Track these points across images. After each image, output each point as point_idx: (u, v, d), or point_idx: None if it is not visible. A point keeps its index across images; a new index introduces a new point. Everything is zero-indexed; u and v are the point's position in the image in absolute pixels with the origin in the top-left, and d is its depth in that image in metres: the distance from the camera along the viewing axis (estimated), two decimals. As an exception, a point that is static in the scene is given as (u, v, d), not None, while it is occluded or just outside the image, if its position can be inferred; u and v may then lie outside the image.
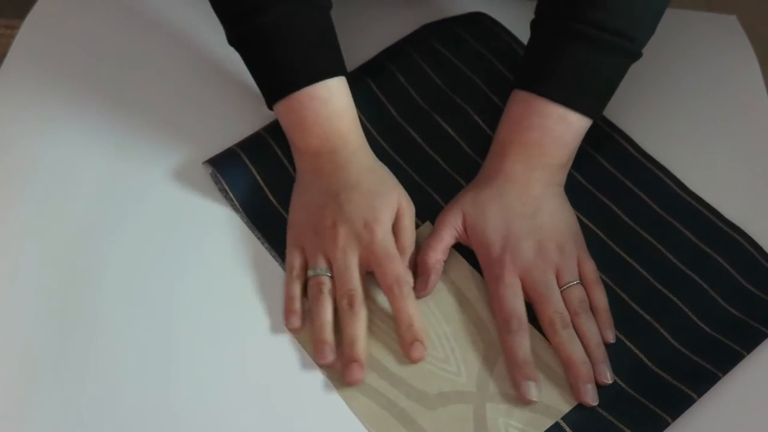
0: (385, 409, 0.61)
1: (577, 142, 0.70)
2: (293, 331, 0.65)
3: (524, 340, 0.63)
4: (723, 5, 0.95)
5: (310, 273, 0.67)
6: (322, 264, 0.66)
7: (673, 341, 0.65)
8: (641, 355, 0.64)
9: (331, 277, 0.66)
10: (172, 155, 0.76)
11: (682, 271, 0.69)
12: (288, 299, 0.66)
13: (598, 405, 0.62)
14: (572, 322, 0.64)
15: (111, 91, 0.81)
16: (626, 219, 0.72)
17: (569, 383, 0.63)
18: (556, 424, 0.61)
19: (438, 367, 0.63)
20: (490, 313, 0.66)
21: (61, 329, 0.65)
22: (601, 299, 0.66)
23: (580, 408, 0.62)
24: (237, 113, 0.79)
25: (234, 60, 0.83)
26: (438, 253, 0.67)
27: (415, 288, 0.66)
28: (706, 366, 0.63)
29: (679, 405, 0.62)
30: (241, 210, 0.72)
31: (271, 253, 0.70)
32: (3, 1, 1.04)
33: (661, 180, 0.75)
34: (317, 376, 0.64)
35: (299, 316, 0.66)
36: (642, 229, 0.72)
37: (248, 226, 0.71)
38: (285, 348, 0.65)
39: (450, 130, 0.78)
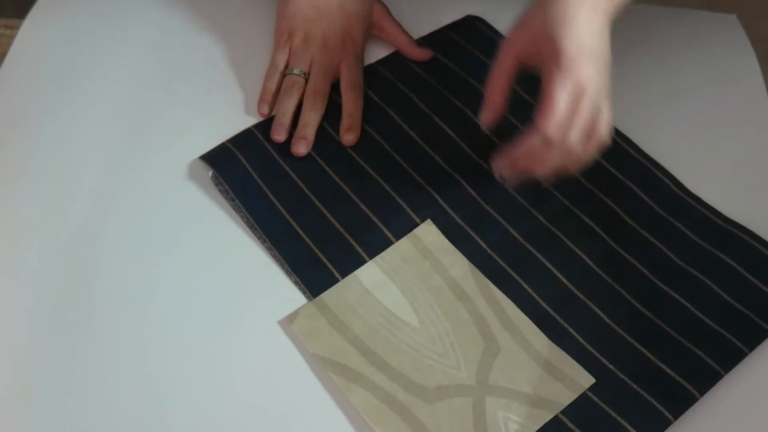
0: (384, 403, 0.61)
1: None
2: (260, 112, 0.80)
3: (548, 152, 0.64)
4: (723, 5, 0.95)
5: (289, 72, 0.80)
6: (303, 67, 0.80)
7: (675, 335, 0.65)
8: (644, 350, 0.64)
9: (306, 81, 0.79)
10: (172, 154, 0.76)
11: (683, 269, 0.69)
12: (265, 92, 0.80)
13: (600, 399, 0.62)
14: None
15: (111, 91, 0.81)
16: (626, 218, 0.72)
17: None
18: (556, 417, 0.61)
19: (437, 362, 0.63)
20: (490, 309, 0.66)
21: (59, 328, 0.65)
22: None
23: (581, 402, 0.61)
24: (237, 113, 0.80)
25: (233, 60, 0.84)
26: (500, 78, 0.69)
27: (482, 112, 0.71)
28: (710, 363, 0.63)
29: (682, 403, 0.61)
30: (242, 209, 0.72)
31: (271, 253, 0.70)
32: (3, 1, 1.04)
33: (660, 180, 0.75)
34: (317, 371, 0.63)
35: (269, 106, 0.80)
36: (642, 228, 0.72)
37: (248, 225, 0.71)
38: (285, 344, 0.65)
39: (450, 132, 0.78)
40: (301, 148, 0.76)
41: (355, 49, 0.82)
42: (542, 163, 0.65)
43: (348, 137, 0.77)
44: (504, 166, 0.68)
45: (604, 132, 0.65)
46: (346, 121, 0.78)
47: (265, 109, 0.79)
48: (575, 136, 0.63)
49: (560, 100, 0.62)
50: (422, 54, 0.84)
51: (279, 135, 0.77)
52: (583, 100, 0.63)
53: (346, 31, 0.81)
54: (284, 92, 0.79)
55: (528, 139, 0.64)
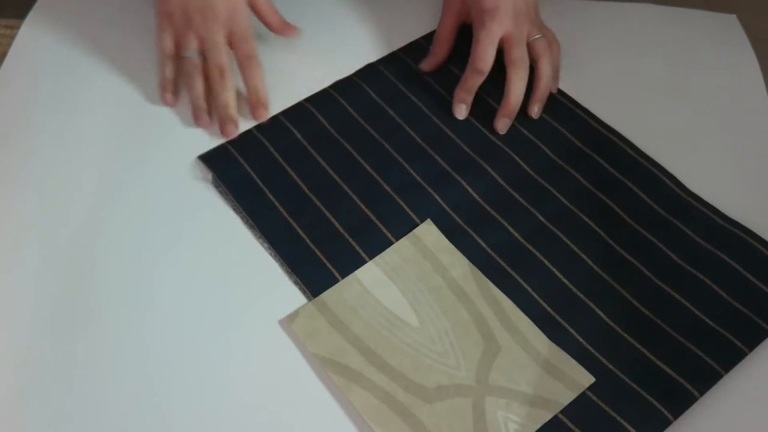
0: (384, 403, 0.61)
1: None
2: (165, 102, 0.80)
3: (480, 79, 0.80)
4: (723, 5, 0.95)
5: (184, 55, 0.79)
6: (193, 46, 0.79)
7: (675, 335, 0.65)
8: (644, 350, 0.64)
9: (202, 59, 0.79)
10: (172, 154, 0.76)
11: (683, 268, 0.69)
12: (164, 80, 0.80)
13: (600, 399, 0.61)
14: (536, 63, 0.80)
15: (110, 91, 0.81)
16: (626, 218, 0.72)
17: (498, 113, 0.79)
18: (556, 417, 0.61)
19: (437, 362, 0.63)
20: (489, 308, 0.66)
21: (59, 328, 0.65)
22: (557, 54, 0.83)
23: (580, 402, 0.61)
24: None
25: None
26: (444, 33, 0.84)
27: (424, 61, 0.85)
28: (709, 362, 0.63)
29: (682, 403, 0.61)
30: (242, 211, 0.72)
31: (271, 253, 0.70)
32: (3, 1, 1.04)
33: (660, 180, 0.75)
34: (317, 371, 0.63)
35: (173, 94, 0.80)
36: (642, 228, 0.71)
37: (248, 226, 0.71)
38: (285, 344, 0.65)
39: (450, 132, 0.79)
40: (231, 129, 0.77)
41: (239, 17, 0.80)
42: (540, 83, 0.80)
43: (259, 113, 0.78)
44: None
45: (550, 35, 0.83)
46: (252, 96, 0.78)
47: (170, 99, 0.80)
48: (522, 53, 0.80)
49: (484, 48, 0.79)
50: (291, 31, 0.84)
51: (202, 120, 0.78)
52: (512, 31, 0.79)
53: (222, 1, 0.79)
54: (187, 78, 0.79)
55: (467, 77, 0.80)
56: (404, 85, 0.82)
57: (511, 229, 0.71)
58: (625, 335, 0.65)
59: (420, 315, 0.66)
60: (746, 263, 0.69)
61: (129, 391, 0.62)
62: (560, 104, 0.81)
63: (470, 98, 0.80)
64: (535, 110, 0.80)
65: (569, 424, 0.60)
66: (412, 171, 0.75)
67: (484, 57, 0.79)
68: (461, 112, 0.80)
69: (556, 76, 0.83)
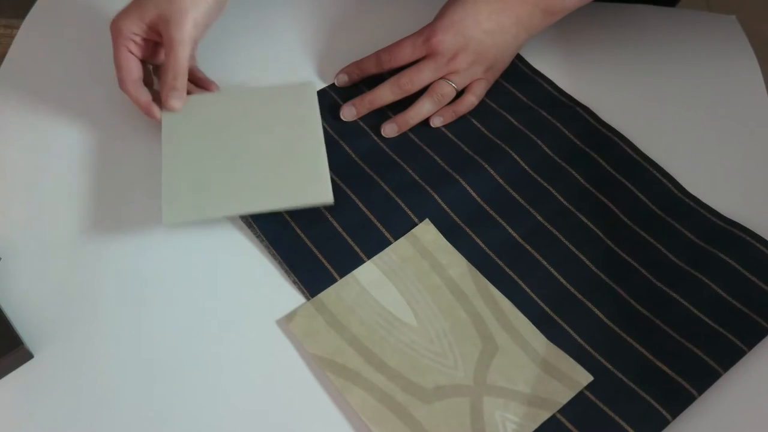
0: (382, 403, 0.61)
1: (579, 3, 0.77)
2: None
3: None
4: (723, 5, 0.95)
5: None
6: None
7: (674, 334, 0.65)
8: (642, 349, 0.64)
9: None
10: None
11: (681, 268, 0.69)
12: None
13: (598, 399, 0.61)
14: (424, 93, 0.77)
15: (111, 91, 0.81)
16: (625, 219, 0.72)
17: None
18: (554, 417, 0.60)
19: (435, 362, 0.63)
20: (488, 308, 0.66)
21: (57, 328, 0.65)
22: (462, 104, 0.78)
23: (579, 402, 0.61)
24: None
25: (232, 59, 0.84)
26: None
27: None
28: (708, 361, 0.63)
29: (680, 402, 0.61)
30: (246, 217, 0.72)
31: (270, 252, 0.70)
32: (3, 1, 1.05)
33: (658, 180, 0.75)
34: (315, 370, 0.63)
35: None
36: (641, 229, 0.71)
37: (247, 225, 0.71)
38: (283, 344, 0.65)
39: (448, 132, 0.79)
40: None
41: None
42: (407, 113, 0.78)
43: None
44: (341, 75, 0.81)
45: (447, 92, 0.77)
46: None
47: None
48: (413, 77, 0.76)
49: (404, 45, 0.77)
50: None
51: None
52: (431, 59, 0.76)
53: None
54: None
55: (367, 57, 0.80)
56: None
57: (510, 229, 0.71)
58: (624, 335, 0.65)
59: (418, 315, 0.66)
60: (744, 262, 0.68)
61: (127, 390, 0.62)
62: (561, 103, 0.81)
63: (356, 76, 0.81)
64: (386, 129, 0.78)
65: (567, 423, 0.60)
66: (410, 171, 0.75)
67: (395, 51, 0.78)
68: (340, 80, 0.81)
69: (446, 117, 0.79)
